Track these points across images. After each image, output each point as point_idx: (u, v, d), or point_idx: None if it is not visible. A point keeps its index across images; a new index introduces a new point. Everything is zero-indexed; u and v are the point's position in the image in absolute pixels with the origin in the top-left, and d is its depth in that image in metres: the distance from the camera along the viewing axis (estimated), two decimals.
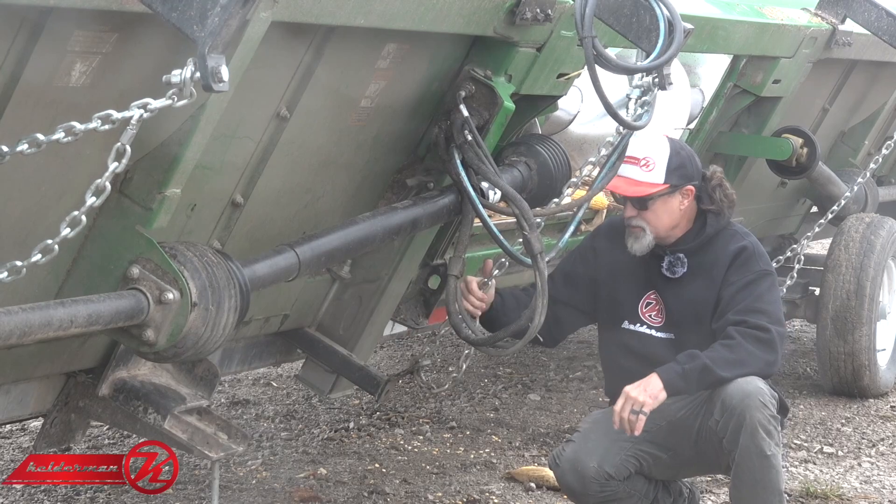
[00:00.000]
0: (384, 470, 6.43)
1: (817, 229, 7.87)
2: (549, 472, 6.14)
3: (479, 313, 5.06)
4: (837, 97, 7.79)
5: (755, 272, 5.00)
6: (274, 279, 4.31)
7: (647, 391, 4.80)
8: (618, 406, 4.83)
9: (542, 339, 5.15)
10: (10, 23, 3.37)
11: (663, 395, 4.81)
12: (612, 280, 5.13)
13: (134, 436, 6.07)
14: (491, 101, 4.78)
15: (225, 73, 3.39)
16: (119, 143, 3.46)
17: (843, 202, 7.65)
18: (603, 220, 6.38)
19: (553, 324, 5.12)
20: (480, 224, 4.90)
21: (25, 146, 3.37)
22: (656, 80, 4.65)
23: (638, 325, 5.11)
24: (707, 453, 4.99)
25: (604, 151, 4.90)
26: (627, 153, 4.98)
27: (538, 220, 4.88)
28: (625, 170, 4.99)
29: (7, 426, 6.63)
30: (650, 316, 5.10)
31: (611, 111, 4.55)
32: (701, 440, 4.98)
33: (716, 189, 5.10)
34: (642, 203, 5.02)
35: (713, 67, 7.64)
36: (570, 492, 5.12)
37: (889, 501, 6.32)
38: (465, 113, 4.74)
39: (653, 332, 5.09)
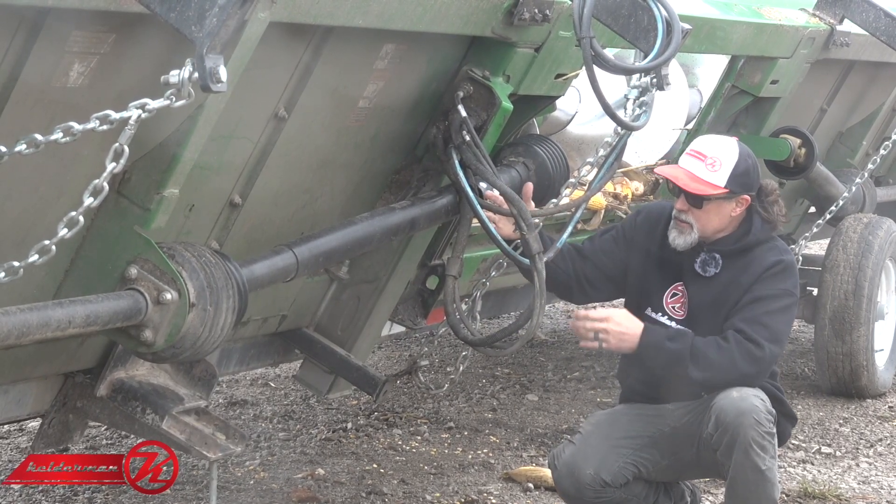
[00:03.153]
0: (382, 470, 6.43)
1: (815, 229, 7.87)
2: (547, 473, 6.14)
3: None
4: (835, 97, 7.79)
5: (779, 289, 4.96)
6: (272, 279, 4.31)
7: (622, 338, 4.88)
8: (592, 317, 4.87)
9: (573, 290, 5.14)
10: (9, 23, 3.37)
11: (628, 350, 4.90)
12: (644, 265, 5.11)
13: (132, 436, 6.06)
14: (489, 102, 4.78)
15: (223, 73, 3.39)
16: (117, 144, 3.46)
17: (841, 202, 7.65)
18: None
19: (584, 279, 5.13)
20: (478, 224, 4.90)
21: (23, 146, 3.37)
22: (654, 80, 4.65)
23: (660, 314, 5.08)
24: (707, 459, 4.98)
25: (602, 152, 4.90)
26: (696, 147, 4.98)
27: (536, 220, 4.88)
28: (688, 163, 4.98)
29: (5, 426, 6.63)
30: (673, 307, 5.07)
31: (609, 112, 4.55)
32: (702, 447, 4.97)
33: (773, 204, 5.06)
34: (697, 201, 4.97)
35: (711, 68, 7.64)
36: (566, 495, 5.11)
37: (887, 502, 6.32)
38: (464, 113, 4.74)
39: (672, 324, 5.04)
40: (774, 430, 4.89)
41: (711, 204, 4.97)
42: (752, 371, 4.88)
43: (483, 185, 4.81)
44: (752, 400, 4.84)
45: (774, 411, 4.92)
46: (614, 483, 4.98)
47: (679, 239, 5.01)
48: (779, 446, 5.01)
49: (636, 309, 5.11)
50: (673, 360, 4.87)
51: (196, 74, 3.38)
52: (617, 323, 4.90)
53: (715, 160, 4.94)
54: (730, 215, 5.01)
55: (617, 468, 4.99)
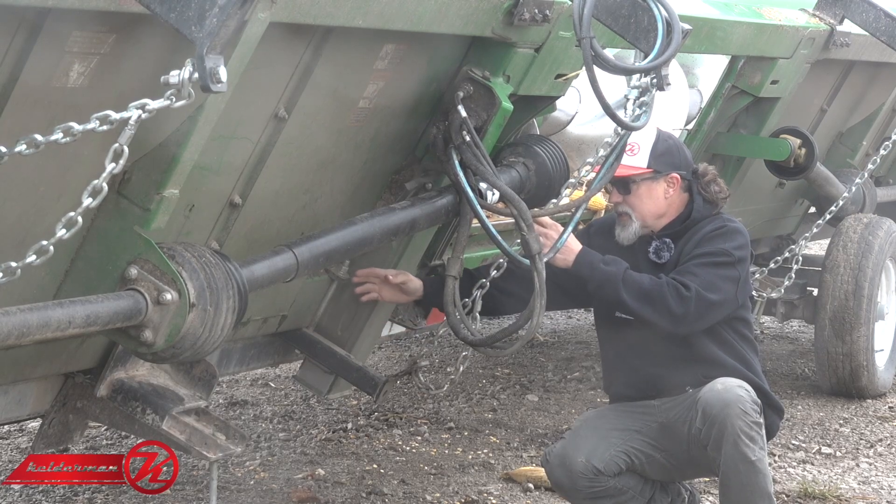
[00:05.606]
0: (382, 471, 6.43)
1: (815, 230, 7.87)
2: None
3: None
4: (835, 98, 7.79)
5: (716, 248, 5.04)
6: (272, 280, 4.31)
7: (564, 251, 4.92)
8: (542, 223, 4.91)
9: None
10: (9, 23, 3.37)
11: (566, 265, 4.95)
12: None
13: (132, 436, 6.07)
14: (489, 102, 4.78)
15: (223, 73, 3.39)
16: (117, 144, 3.46)
17: (841, 203, 7.65)
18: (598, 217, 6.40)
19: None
20: (479, 225, 4.90)
21: (24, 147, 3.36)
22: (654, 80, 4.65)
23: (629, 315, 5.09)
24: (700, 456, 4.99)
25: (602, 152, 4.90)
26: None
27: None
28: None
29: (5, 427, 6.63)
30: None
31: (609, 112, 4.55)
32: (692, 444, 4.99)
33: (710, 184, 5.18)
34: (626, 186, 5.10)
35: (711, 68, 7.64)
36: (560, 487, 5.13)
37: (887, 502, 6.32)
38: (464, 113, 4.74)
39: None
40: (762, 421, 4.91)
41: (640, 188, 5.09)
42: (680, 311, 4.92)
43: (483, 185, 4.81)
44: (736, 391, 4.87)
45: (760, 402, 4.94)
46: (607, 471, 4.99)
47: (623, 233, 5.13)
48: (767, 439, 5.02)
49: (606, 313, 5.14)
50: (605, 280, 4.95)
51: (196, 75, 3.38)
52: (560, 245, 4.94)
53: (633, 145, 5.09)
54: (664, 197, 5.11)
55: (608, 456, 5.01)
